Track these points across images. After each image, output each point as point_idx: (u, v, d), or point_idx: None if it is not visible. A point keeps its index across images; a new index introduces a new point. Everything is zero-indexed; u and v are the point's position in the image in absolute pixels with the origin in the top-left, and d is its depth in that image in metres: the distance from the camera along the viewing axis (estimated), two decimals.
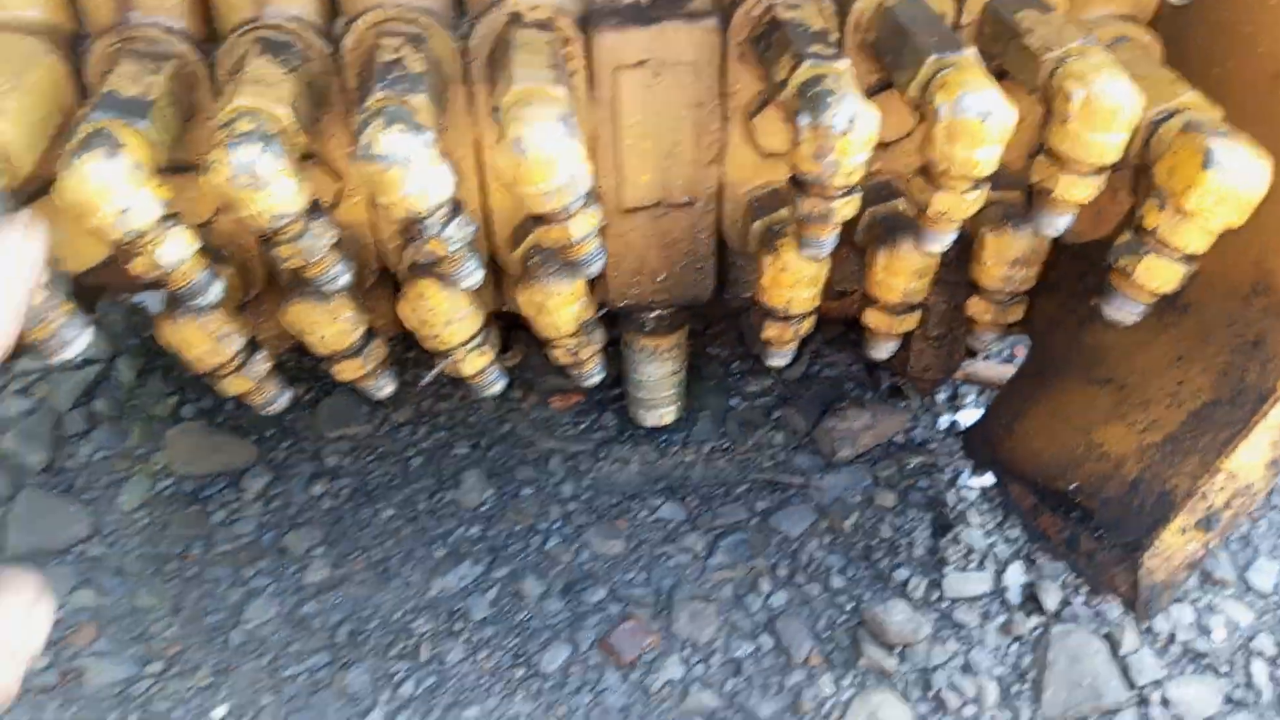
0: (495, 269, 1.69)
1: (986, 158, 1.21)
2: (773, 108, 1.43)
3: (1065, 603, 1.94)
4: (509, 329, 2.27)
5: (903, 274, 1.53)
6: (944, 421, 2.28)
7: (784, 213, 1.51)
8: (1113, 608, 1.93)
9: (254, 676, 1.86)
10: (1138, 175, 1.34)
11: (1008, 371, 2.23)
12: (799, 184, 1.27)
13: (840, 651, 1.88)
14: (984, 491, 2.12)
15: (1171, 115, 1.26)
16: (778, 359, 1.71)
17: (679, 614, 1.92)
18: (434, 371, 1.67)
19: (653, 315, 1.88)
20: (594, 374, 1.74)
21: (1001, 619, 1.92)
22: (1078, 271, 1.71)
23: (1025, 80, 1.28)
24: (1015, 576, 1.98)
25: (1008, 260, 1.53)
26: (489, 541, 2.05)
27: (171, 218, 1.23)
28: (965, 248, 1.63)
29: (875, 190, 1.57)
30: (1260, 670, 1.86)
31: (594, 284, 1.71)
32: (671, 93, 1.43)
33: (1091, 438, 1.64)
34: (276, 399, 1.63)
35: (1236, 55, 1.37)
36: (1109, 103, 1.18)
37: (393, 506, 2.11)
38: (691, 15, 1.37)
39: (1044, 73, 1.23)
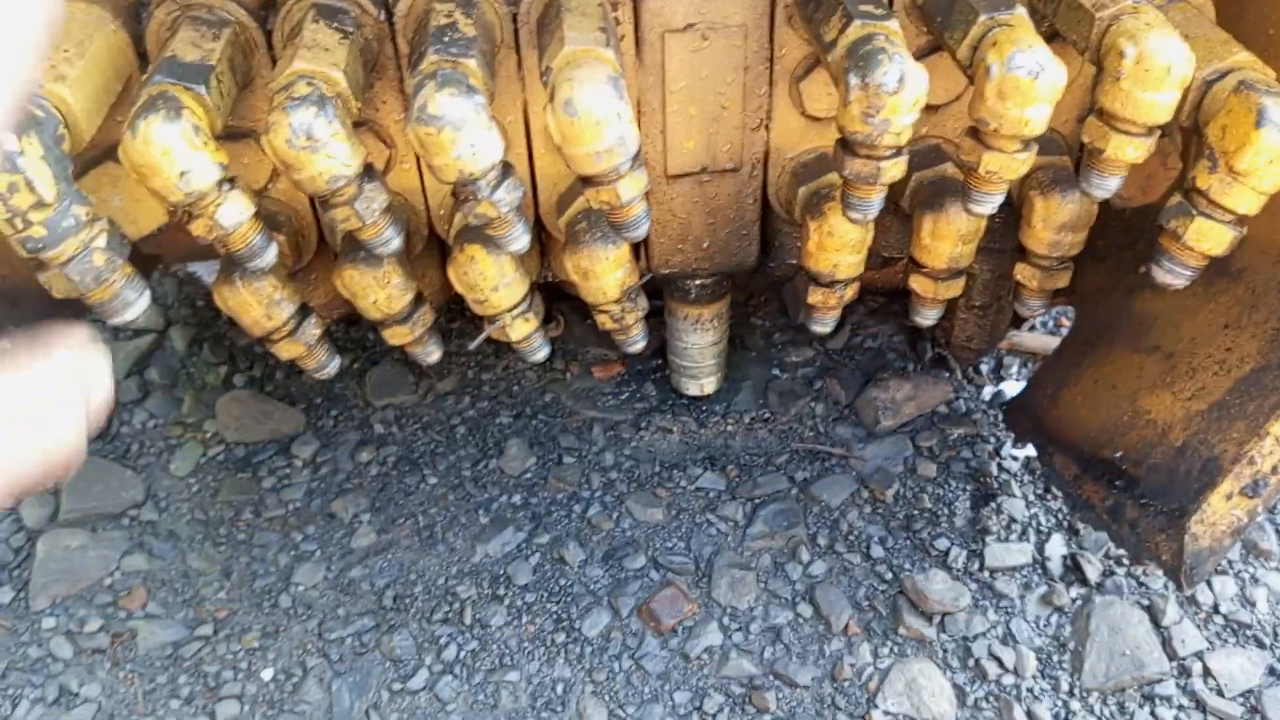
0: (540, 236, 1.71)
1: (1037, 116, 1.21)
2: (821, 70, 1.44)
3: (1107, 574, 1.93)
4: (552, 301, 2.29)
5: (949, 238, 1.53)
6: (988, 392, 2.27)
7: (831, 177, 1.51)
8: (1155, 579, 1.93)
9: (302, 639, 1.89)
10: (1188, 139, 1.34)
11: (1052, 342, 2.22)
12: (847, 144, 1.28)
13: (880, 620, 1.89)
14: (1026, 462, 2.12)
15: (1224, 75, 1.25)
16: (822, 325, 1.72)
17: (719, 581, 1.94)
18: (482, 335, 1.69)
19: (696, 283, 1.89)
20: (637, 340, 1.75)
21: (1042, 590, 1.92)
22: (1126, 240, 1.71)
23: (1077, 39, 1.28)
24: (1057, 548, 1.97)
25: (1056, 225, 1.52)
26: (532, 509, 2.07)
27: (230, 181, 1.26)
28: (1011, 215, 1.63)
29: (922, 155, 1.57)
30: None
31: (638, 251, 1.73)
32: (719, 56, 1.44)
33: (1138, 405, 1.63)
34: (328, 364, 1.66)
35: None
36: (1161, 60, 1.17)
37: (438, 474, 2.14)
38: None
39: (1096, 31, 1.22)
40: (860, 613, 1.90)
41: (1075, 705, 1.77)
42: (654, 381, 2.29)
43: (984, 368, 2.32)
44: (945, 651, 1.85)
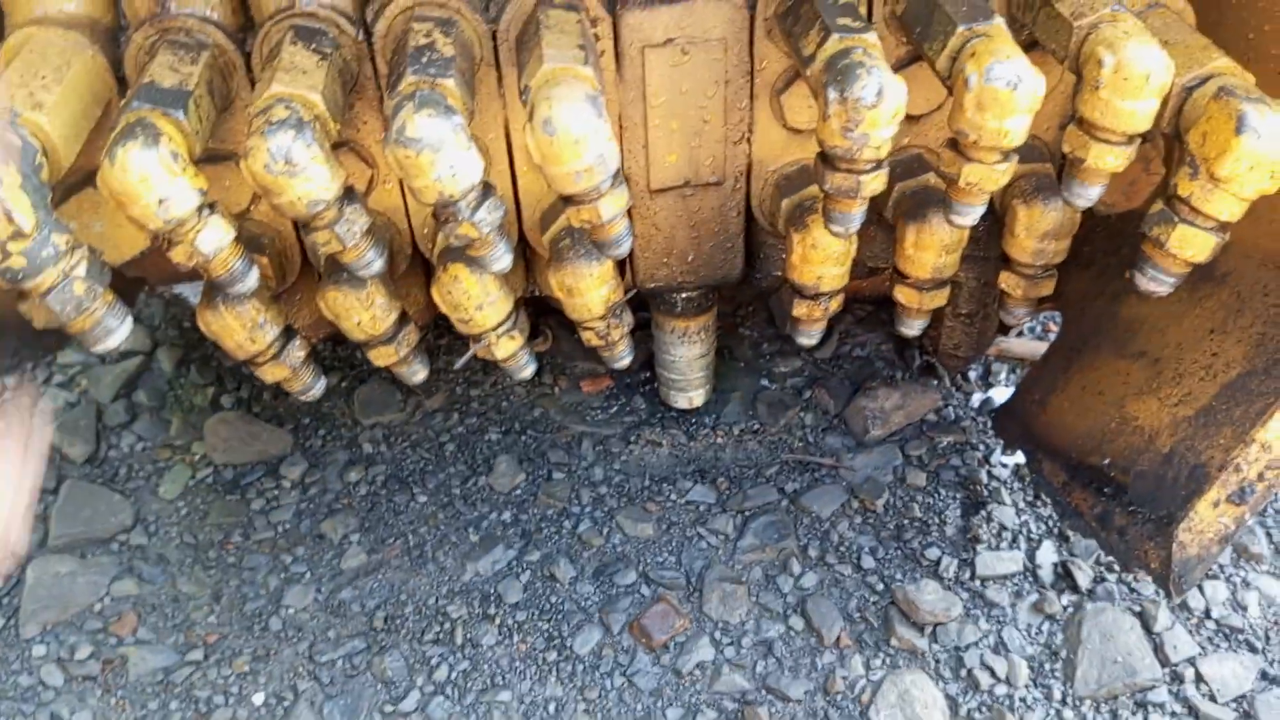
0: (525, 253, 1.70)
1: (1016, 127, 1.21)
2: (801, 82, 1.44)
3: (1098, 580, 1.93)
4: (539, 315, 2.29)
5: (932, 249, 1.53)
6: (976, 399, 2.27)
7: (813, 189, 1.51)
8: (1146, 585, 1.92)
9: (292, 662, 1.88)
10: (1170, 145, 1.34)
11: (1040, 348, 2.22)
12: (827, 159, 1.28)
13: (872, 632, 1.88)
14: (1016, 469, 2.11)
15: (1204, 81, 1.26)
16: (807, 338, 1.72)
17: (710, 596, 1.93)
18: (467, 355, 1.69)
19: (682, 296, 1.89)
20: (624, 356, 1.75)
21: (1034, 597, 1.92)
22: (1111, 245, 1.71)
23: (1056, 48, 1.28)
24: (1047, 555, 1.97)
25: (1039, 233, 1.52)
26: (522, 526, 2.07)
27: (209, 206, 1.25)
28: (995, 224, 1.63)
29: (904, 165, 1.57)
30: None
31: (623, 266, 1.73)
32: (699, 70, 1.44)
33: (1125, 412, 1.63)
34: (313, 386, 1.65)
35: (1274, 19, 1.36)
36: (1140, 69, 1.18)
37: (427, 492, 2.13)
38: None
39: (1075, 40, 1.23)
40: (852, 624, 1.89)
41: (1068, 714, 1.77)
42: (643, 394, 2.28)
43: (972, 374, 2.32)
44: (937, 662, 1.84)
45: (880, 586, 1.94)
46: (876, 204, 1.38)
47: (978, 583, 1.94)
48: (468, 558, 2.01)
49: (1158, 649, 1.84)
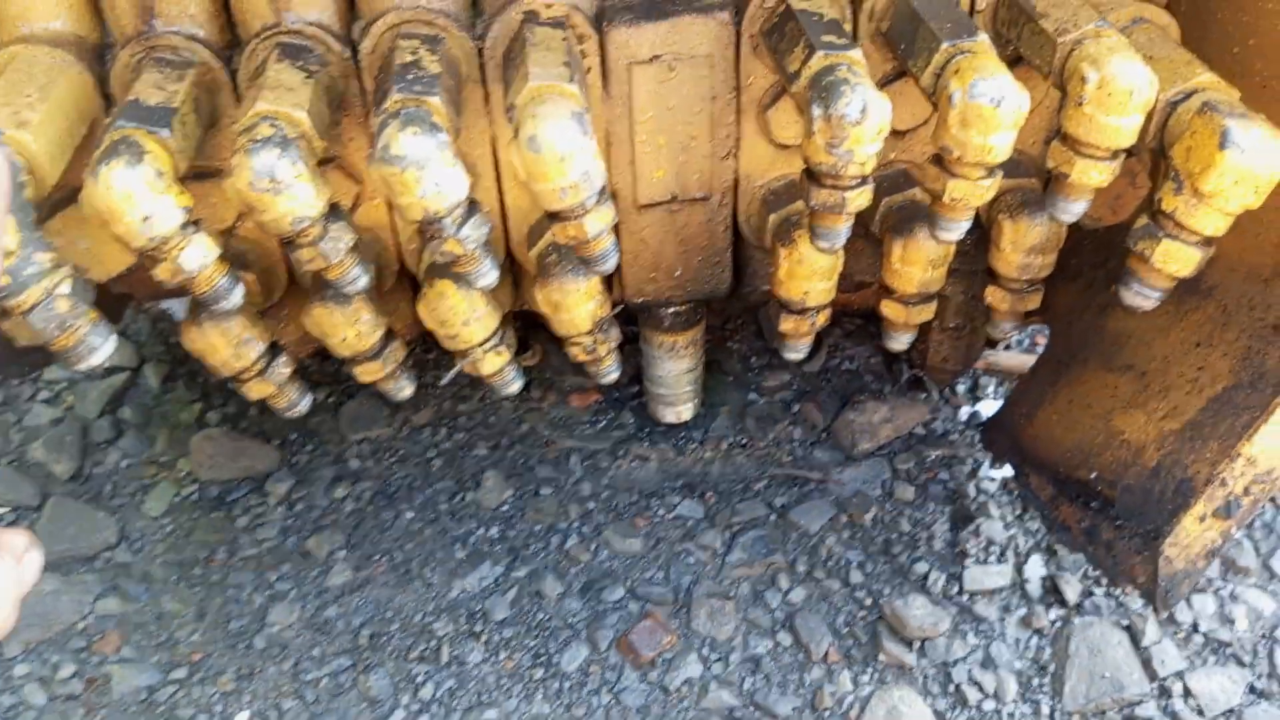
0: (513, 268, 1.70)
1: (1000, 144, 1.22)
2: (786, 99, 1.44)
3: (1086, 594, 1.93)
4: (527, 329, 2.28)
5: (919, 264, 1.53)
6: (964, 413, 2.27)
7: (799, 205, 1.51)
8: (1134, 599, 1.92)
9: (277, 681, 1.87)
10: (1155, 159, 1.35)
11: (1028, 361, 2.22)
12: (812, 175, 1.28)
13: (860, 647, 1.88)
14: (1004, 483, 2.12)
15: (1188, 96, 1.26)
16: (794, 353, 1.72)
17: (697, 612, 1.93)
18: (453, 371, 1.68)
19: (670, 311, 1.88)
20: (611, 371, 1.75)
21: (1022, 612, 1.92)
22: (1098, 259, 1.71)
23: (1040, 64, 1.29)
24: (1035, 569, 1.97)
25: (1025, 247, 1.53)
26: (509, 542, 2.06)
27: (193, 224, 1.24)
28: (982, 237, 1.63)
29: (890, 180, 1.57)
30: None
31: (610, 281, 1.72)
32: (685, 87, 1.44)
33: (1112, 425, 1.63)
34: (299, 403, 1.65)
35: (1258, 33, 1.37)
36: (1123, 85, 1.18)
37: (414, 508, 2.12)
38: (705, 8, 1.38)
39: (1059, 56, 1.23)
40: (840, 640, 1.89)
41: None
42: (631, 409, 2.28)
43: (960, 388, 2.32)
44: (926, 677, 1.84)
45: (868, 601, 1.94)
46: (863, 218, 1.38)
47: (966, 597, 1.94)
48: (454, 574, 2.01)
49: (1146, 663, 1.84)
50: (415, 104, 1.21)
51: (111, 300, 1.77)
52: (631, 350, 2.05)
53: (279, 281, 1.62)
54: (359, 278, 1.36)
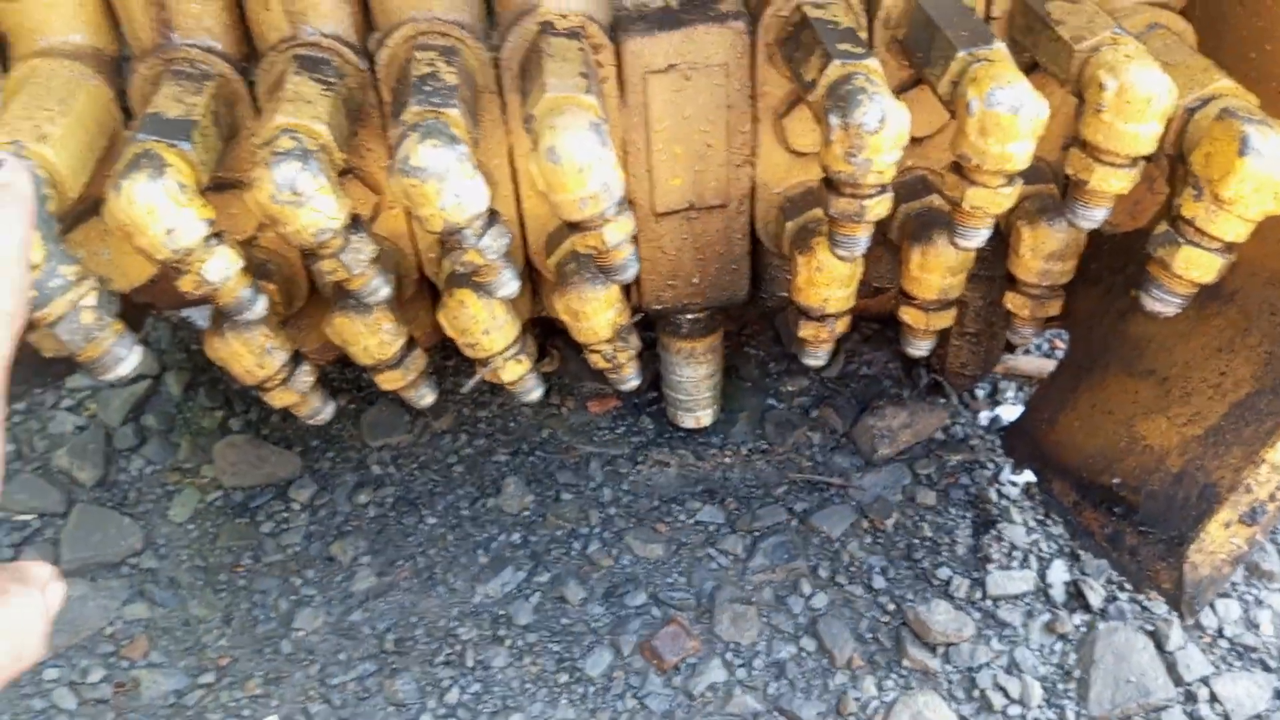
0: (531, 275, 1.71)
1: (1019, 152, 1.21)
2: (802, 106, 1.44)
3: (1110, 599, 1.92)
4: (546, 336, 2.29)
5: (938, 270, 1.53)
6: (984, 417, 2.26)
7: (818, 212, 1.51)
8: (1158, 604, 1.91)
9: (304, 685, 1.88)
10: (1174, 165, 1.34)
11: (1048, 365, 2.21)
12: (831, 184, 1.28)
13: (883, 652, 1.88)
14: (1026, 488, 2.10)
15: (1206, 103, 1.25)
16: (814, 359, 1.72)
17: (720, 617, 1.93)
18: (474, 379, 1.69)
19: (688, 318, 1.89)
20: (631, 378, 1.75)
21: (1046, 617, 1.91)
22: (1118, 264, 1.70)
23: (1057, 72, 1.28)
24: (1059, 574, 1.96)
25: (1045, 254, 1.52)
26: (531, 547, 2.07)
27: (216, 236, 1.26)
28: (1001, 243, 1.63)
29: (909, 186, 1.57)
30: None
31: (629, 289, 1.73)
32: (702, 95, 1.44)
33: (1134, 431, 1.63)
34: (321, 410, 1.66)
35: (1275, 38, 1.36)
36: (1142, 92, 1.17)
37: (436, 514, 2.14)
38: (720, 17, 1.39)
39: (1076, 64, 1.23)
40: (864, 645, 1.89)
41: None
42: (650, 415, 2.28)
43: (980, 393, 2.31)
44: (950, 683, 1.83)
45: (891, 607, 1.93)
46: (881, 225, 1.38)
47: (989, 602, 1.93)
48: (477, 580, 2.01)
49: (1171, 668, 1.82)
50: (434, 116, 1.22)
51: (134, 309, 1.79)
52: (650, 357, 2.05)
53: (300, 291, 1.63)
54: (380, 288, 1.37)
